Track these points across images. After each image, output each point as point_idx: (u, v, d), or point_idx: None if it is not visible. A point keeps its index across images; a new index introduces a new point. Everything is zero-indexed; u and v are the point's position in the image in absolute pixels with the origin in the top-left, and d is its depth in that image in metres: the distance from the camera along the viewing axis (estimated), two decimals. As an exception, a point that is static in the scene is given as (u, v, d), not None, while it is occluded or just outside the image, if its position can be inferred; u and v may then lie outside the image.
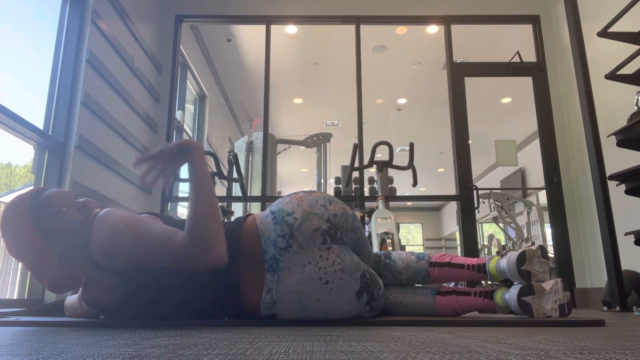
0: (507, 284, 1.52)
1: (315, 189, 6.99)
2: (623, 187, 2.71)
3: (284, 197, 1.42)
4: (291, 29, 5.25)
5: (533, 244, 5.34)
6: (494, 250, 7.04)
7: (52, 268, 1.27)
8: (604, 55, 3.65)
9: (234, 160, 3.34)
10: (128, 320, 1.27)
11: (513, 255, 1.46)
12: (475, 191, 4.22)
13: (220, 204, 3.36)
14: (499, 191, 5.23)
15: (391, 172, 9.12)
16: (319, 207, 1.35)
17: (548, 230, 4.48)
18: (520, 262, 1.44)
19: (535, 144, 7.38)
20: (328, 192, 7.92)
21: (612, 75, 2.74)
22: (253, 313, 1.32)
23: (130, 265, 1.24)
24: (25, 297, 2.78)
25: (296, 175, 10.96)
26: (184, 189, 5.42)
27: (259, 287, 1.29)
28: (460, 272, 1.54)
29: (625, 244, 3.27)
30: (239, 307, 1.31)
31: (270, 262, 1.28)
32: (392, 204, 13.09)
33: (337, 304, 1.28)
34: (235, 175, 3.51)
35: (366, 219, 4.00)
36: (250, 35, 5.40)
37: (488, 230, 10.47)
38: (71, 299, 1.53)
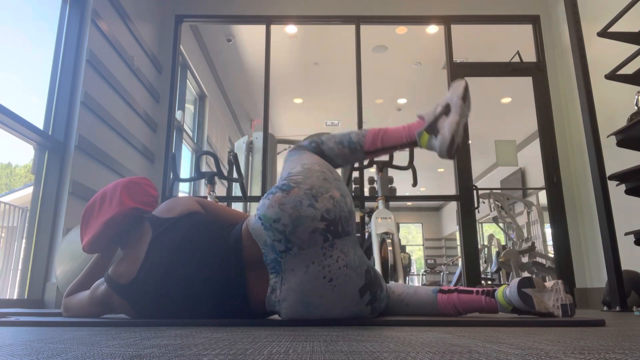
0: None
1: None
2: (623, 187, 2.71)
3: (263, 198, 1.33)
4: (291, 29, 5.25)
5: (533, 244, 5.34)
6: (494, 250, 7.04)
7: (107, 239, 1.48)
8: (604, 55, 3.64)
9: (234, 160, 3.34)
10: (128, 320, 1.28)
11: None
12: (475, 191, 4.22)
13: (220, 204, 3.35)
14: (499, 191, 5.24)
15: (391, 172, 9.09)
16: (307, 209, 1.26)
17: (548, 230, 4.48)
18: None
19: (535, 144, 7.37)
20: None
21: (612, 75, 2.74)
22: (259, 310, 1.36)
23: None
24: (25, 297, 2.78)
25: (296, 175, 10.94)
26: (183, 189, 5.42)
27: (264, 285, 1.31)
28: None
29: (625, 244, 3.27)
30: (247, 303, 1.34)
31: (273, 264, 1.28)
32: (392, 204, 13.04)
33: (339, 300, 1.28)
34: (235, 175, 3.50)
35: (366, 219, 4.00)
36: (250, 35, 5.40)
37: (488, 230, 10.47)
38: (74, 298, 1.53)
